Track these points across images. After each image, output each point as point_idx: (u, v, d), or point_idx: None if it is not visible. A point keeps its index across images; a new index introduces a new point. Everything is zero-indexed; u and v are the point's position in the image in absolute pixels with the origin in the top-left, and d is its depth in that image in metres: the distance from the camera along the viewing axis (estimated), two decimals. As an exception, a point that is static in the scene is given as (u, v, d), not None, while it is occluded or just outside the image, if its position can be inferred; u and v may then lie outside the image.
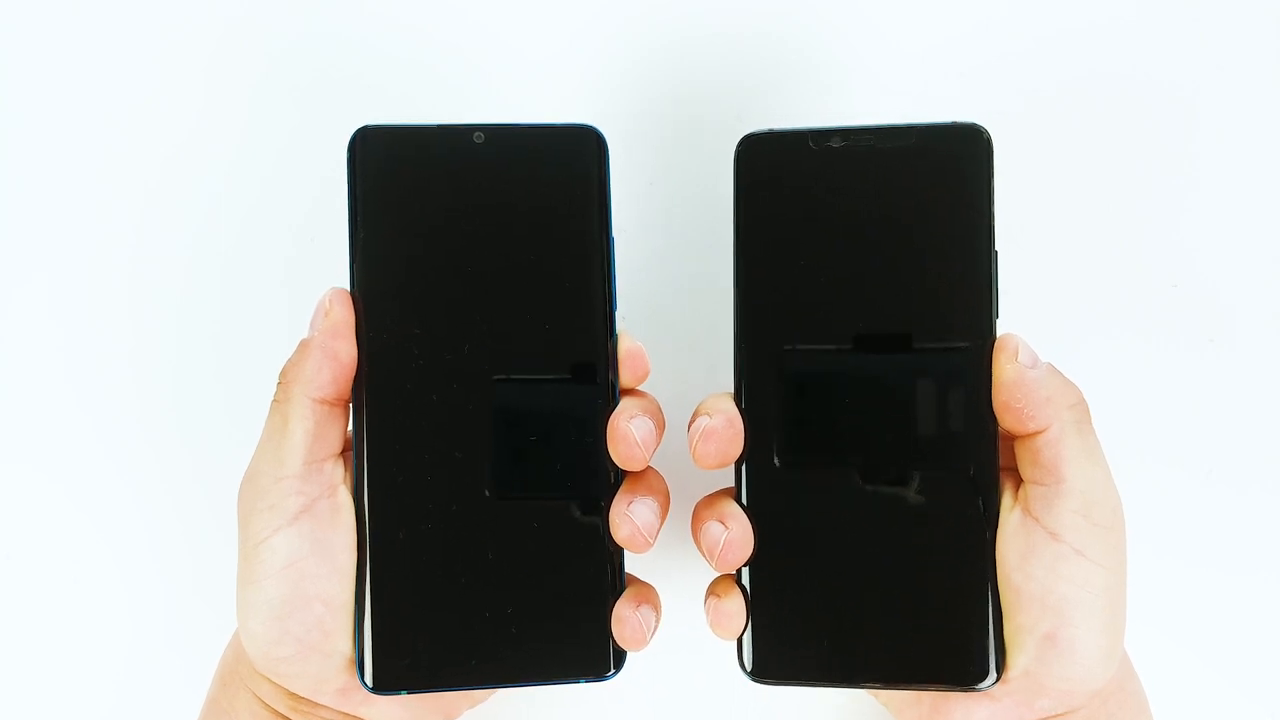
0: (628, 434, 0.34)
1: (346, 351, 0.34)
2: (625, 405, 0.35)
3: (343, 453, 0.36)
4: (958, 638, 0.34)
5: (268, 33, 0.46)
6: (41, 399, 0.45)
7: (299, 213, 0.45)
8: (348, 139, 0.35)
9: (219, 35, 0.46)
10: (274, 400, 0.35)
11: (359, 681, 0.35)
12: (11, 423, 0.45)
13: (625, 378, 0.35)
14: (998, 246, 0.35)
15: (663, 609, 0.36)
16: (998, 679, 0.34)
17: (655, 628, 0.35)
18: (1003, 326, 0.35)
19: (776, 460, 0.35)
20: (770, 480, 0.35)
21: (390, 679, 0.35)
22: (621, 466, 0.35)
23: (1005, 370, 0.34)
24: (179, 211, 0.45)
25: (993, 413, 0.34)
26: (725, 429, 0.34)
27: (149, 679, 0.45)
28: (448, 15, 0.46)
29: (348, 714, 0.36)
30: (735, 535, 0.34)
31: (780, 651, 0.35)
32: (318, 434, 0.34)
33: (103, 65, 0.46)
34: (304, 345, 0.35)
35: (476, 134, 0.35)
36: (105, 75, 0.46)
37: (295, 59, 0.45)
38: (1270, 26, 0.45)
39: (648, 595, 0.35)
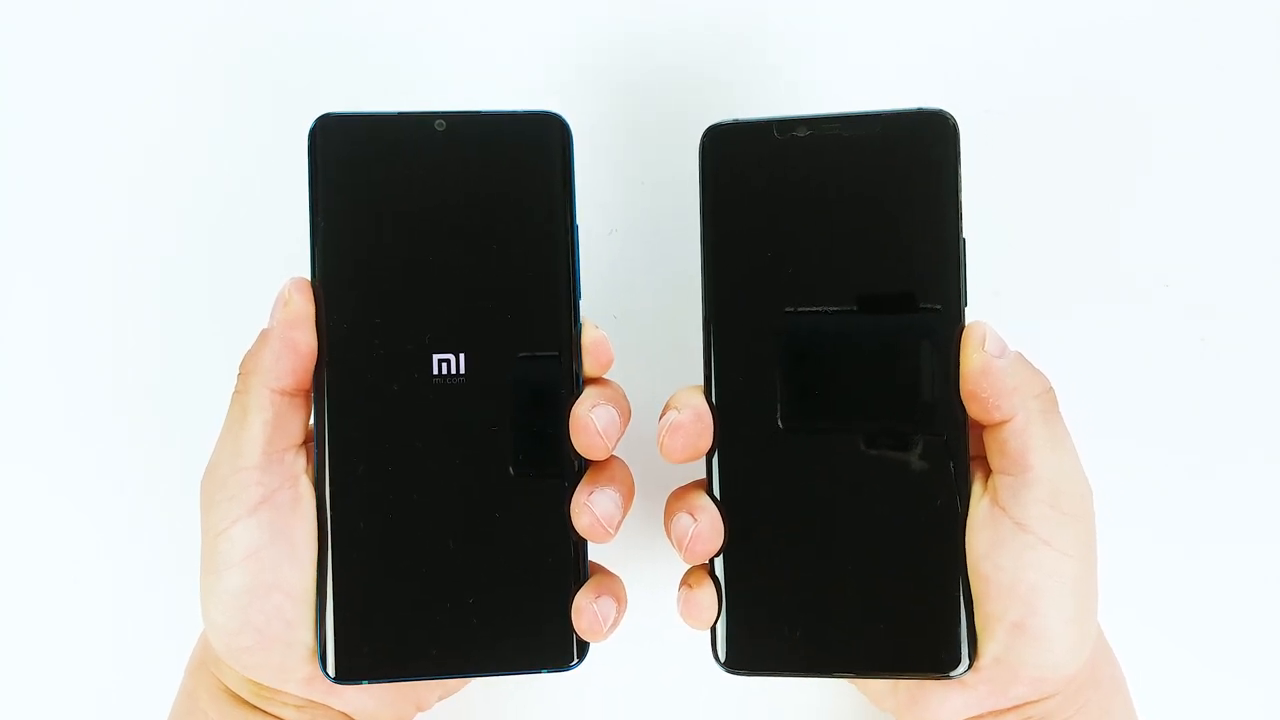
0: (588, 423, 0.34)
1: (305, 342, 0.34)
2: (587, 394, 0.34)
3: (304, 443, 0.36)
4: (930, 626, 0.34)
5: (255, 28, 0.45)
6: (33, 398, 0.45)
7: (293, 208, 0.45)
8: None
9: (205, 31, 0.46)
10: (234, 391, 0.35)
11: (321, 671, 0.35)
12: (5, 421, 0.45)
13: (589, 366, 0.35)
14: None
15: (628, 601, 0.36)
16: (969, 666, 0.34)
17: (616, 620, 0.35)
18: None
19: (746, 451, 0.35)
20: (740, 471, 0.35)
21: (352, 669, 0.34)
22: (584, 455, 0.34)
23: (971, 359, 0.34)
24: (174, 211, 0.45)
25: (961, 402, 0.34)
26: (693, 424, 0.34)
27: (142, 674, 0.45)
28: (444, 11, 0.46)
29: (313, 701, 0.36)
30: (703, 527, 0.34)
31: (754, 642, 0.35)
32: (277, 424, 0.34)
33: (91, 62, 0.46)
34: (263, 335, 0.35)
35: (438, 121, 0.35)
36: (95, 71, 0.46)
37: (284, 55, 0.45)
38: (1266, 27, 0.45)
39: (610, 586, 0.35)
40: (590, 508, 0.34)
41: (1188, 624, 0.44)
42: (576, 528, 0.34)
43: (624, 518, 0.35)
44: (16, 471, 0.45)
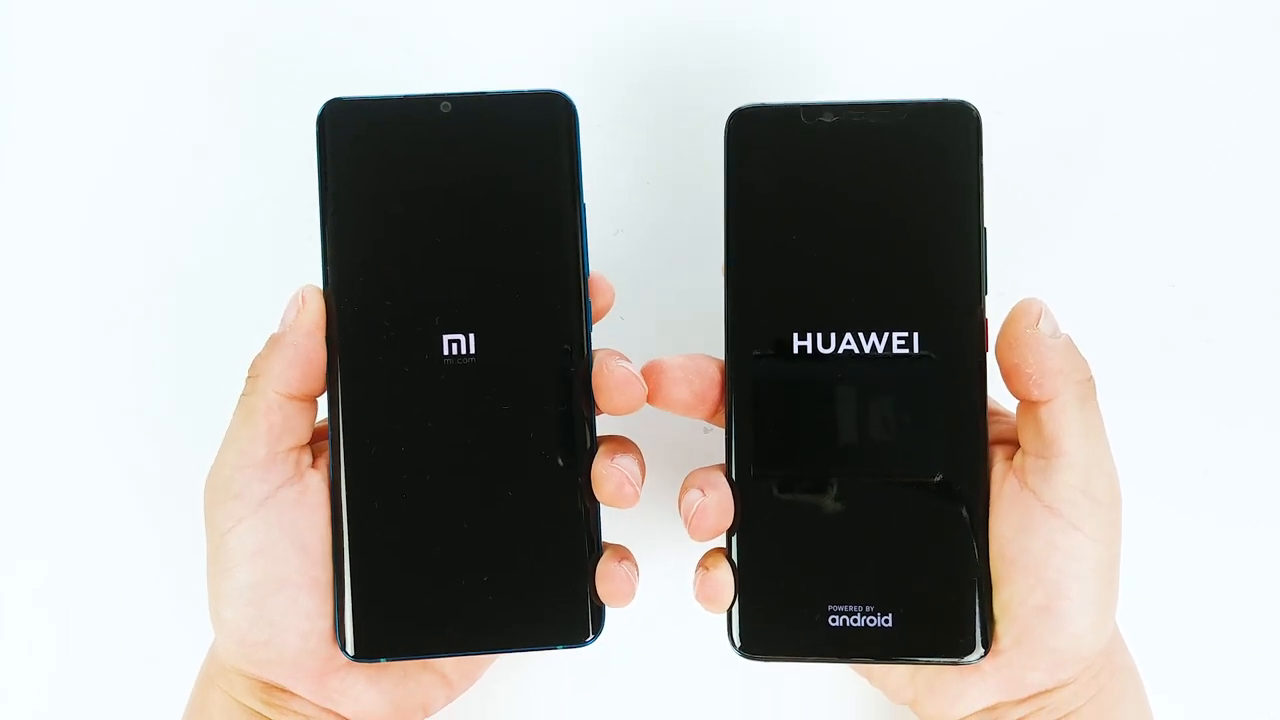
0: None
1: (316, 349, 0.35)
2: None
3: (309, 444, 0.36)
4: (948, 612, 0.34)
5: (267, 25, 0.46)
6: (45, 396, 0.45)
7: (302, 202, 0.44)
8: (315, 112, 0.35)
9: (220, 28, 0.46)
10: (242, 394, 0.35)
11: (339, 650, 0.34)
12: (13, 420, 0.45)
13: (597, 302, 0.36)
14: (993, 231, 0.34)
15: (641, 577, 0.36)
16: (985, 653, 0.34)
17: (637, 584, 0.35)
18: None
19: (765, 437, 0.35)
20: (758, 453, 0.35)
21: (371, 647, 0.34)
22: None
23: (1024, 334, 0.34)
24: (180, 207, 0.45)
25: (982, 386, 0.34)
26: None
27: (150, 678, 0.44)
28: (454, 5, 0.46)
29: (323, 707, 0.36)
30: (709, 502, 0.34)
31: (770, 626, 0.35)
32: (285, 426, 0.34)
33: (114, 66, 0.46)
34: (273, 340, 0.35)
35: (444, 103, 0.35)
36: (120, 76, 0.46)
37: (298, 53, 0.46)
38: (1269, 27, 0.45)
39: (627, 554, 0.35)
40: (616, 468, 0.34)
41: (1187, 625, 0.44)
42: (601, 495, 0.34)
43: (642, 485, 0.35)
44: (33, 472, 0.45)
